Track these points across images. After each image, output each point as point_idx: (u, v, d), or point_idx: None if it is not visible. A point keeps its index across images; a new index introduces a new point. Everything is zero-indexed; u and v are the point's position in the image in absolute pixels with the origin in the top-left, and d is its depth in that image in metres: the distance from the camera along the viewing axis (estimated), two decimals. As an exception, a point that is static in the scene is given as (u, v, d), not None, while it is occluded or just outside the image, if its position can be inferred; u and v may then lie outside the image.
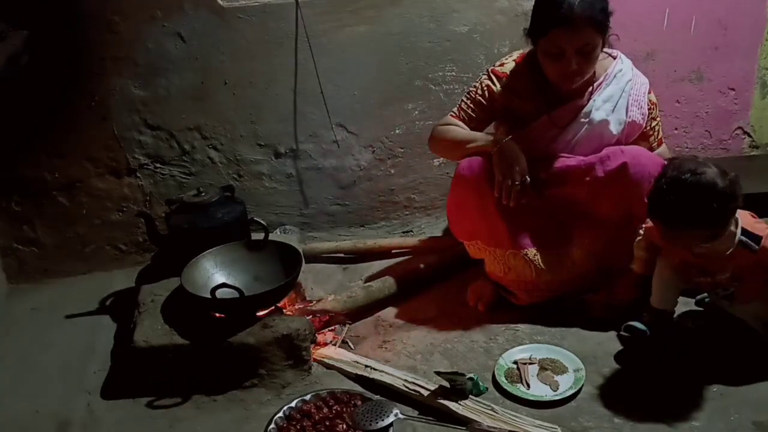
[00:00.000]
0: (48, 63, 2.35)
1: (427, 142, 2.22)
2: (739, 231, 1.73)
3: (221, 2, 2.42)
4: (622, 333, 1.99)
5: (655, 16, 2.76)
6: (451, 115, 2.19)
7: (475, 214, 2.11)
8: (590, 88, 2.10)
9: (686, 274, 1.89)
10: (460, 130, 2.14)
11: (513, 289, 2.16)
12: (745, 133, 3.03)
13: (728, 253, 1.74)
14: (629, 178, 1.99)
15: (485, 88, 2.15)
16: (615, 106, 2.11)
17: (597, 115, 2.10)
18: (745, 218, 1.77)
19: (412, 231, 2.78)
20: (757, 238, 1.73)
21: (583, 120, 2.10)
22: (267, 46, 2.49)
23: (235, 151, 2.60)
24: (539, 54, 2.03)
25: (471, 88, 2.19)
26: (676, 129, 2.94)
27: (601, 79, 2.11)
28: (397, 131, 2.70)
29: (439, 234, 2.70)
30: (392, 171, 2.76)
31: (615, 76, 2.12)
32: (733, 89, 2.93)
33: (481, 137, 2.10)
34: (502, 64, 2.16)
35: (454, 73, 2.66)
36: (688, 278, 1.90)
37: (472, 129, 2.14)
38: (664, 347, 1.93)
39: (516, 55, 2.17)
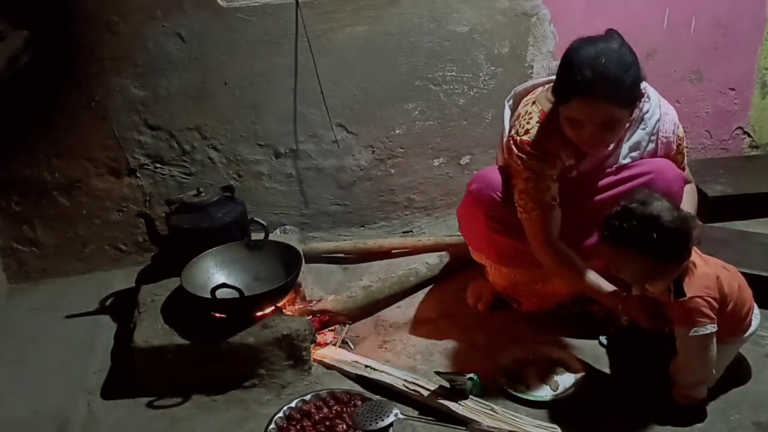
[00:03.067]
0: (48, 63, 2.34)
1: (541, 253, 1.94)
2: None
3: (221, 2, 2.41)
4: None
5: (655, 16, 2.75)
6: (536, 217, 1.91)
7: (483, 237, 2.05)
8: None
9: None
10: (581, 265, 1.91)
11: (518, 298, 2.15)
12: (745, 133, 3.03)
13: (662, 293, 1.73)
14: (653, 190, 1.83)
15: (534, 167, 1.89)
16: (642, 153, 1.98)
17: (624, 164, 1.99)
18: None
19: (412, 231, 2.78)
20: (681, 294, 1.67)
21: (609, 171, 1.99)
22: (267, 46, 2.48)
23: (235, 151, 2.60)
24: (561, 117, 1.85)
25: (523, 176, 1.91)
26: (676, 129, 2.94)
27: (627, 125, 1.92)
28: (397, 131, 2.70)
29: (439, 234, 2.70)
30: (392, 171, 2.75)
31: (642, 120, 1.96)
32: (733, 89, 2.93)
33: (603, 288, 1.87)
34: (527, 132, 1.91)
35: (454, 73, 2.65)
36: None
37: (558, 206, 1.93)
38: (642, 353, 1.91)
39: (536, 116, 1.93)
